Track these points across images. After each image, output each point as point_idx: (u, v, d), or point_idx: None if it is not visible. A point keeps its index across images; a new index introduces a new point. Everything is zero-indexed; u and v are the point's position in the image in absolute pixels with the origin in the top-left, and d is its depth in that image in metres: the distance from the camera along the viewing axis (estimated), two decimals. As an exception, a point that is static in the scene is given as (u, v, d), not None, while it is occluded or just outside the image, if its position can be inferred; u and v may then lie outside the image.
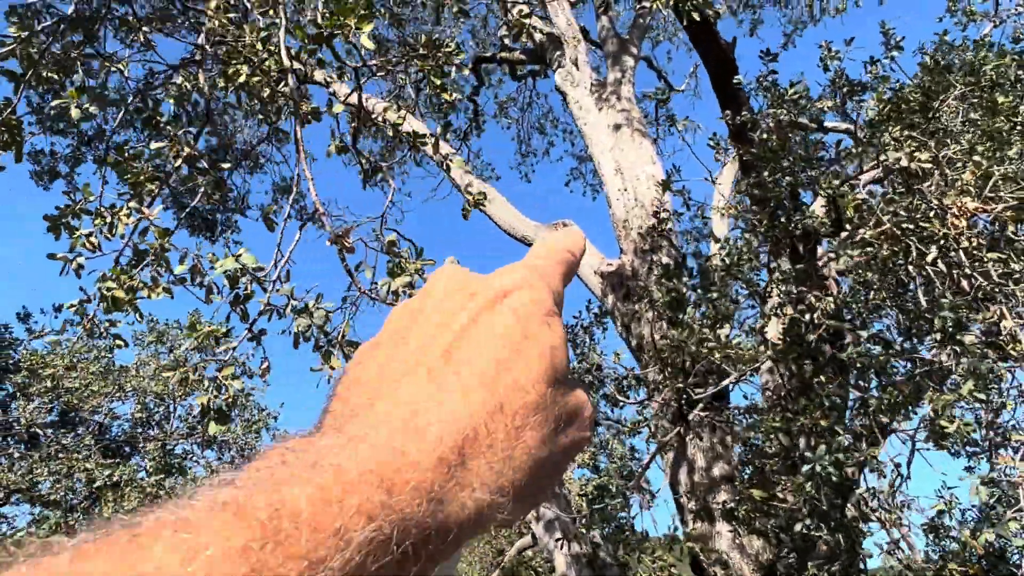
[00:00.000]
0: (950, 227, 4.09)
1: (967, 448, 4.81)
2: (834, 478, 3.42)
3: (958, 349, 3.95)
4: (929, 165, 3.73)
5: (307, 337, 3.08)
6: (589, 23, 13.72)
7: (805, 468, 3.39)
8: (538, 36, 10.89)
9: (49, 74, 3.16)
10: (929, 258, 4.23)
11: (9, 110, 3.02)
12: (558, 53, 10.20)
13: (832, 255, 4.63)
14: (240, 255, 2.90)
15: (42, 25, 3.09)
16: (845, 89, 5.02)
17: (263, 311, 3.11)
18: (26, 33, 2.93)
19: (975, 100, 4.56)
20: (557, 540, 6.37)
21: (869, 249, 4.26)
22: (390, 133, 3.16)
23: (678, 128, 5.45)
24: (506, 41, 12.59)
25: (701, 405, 5.03)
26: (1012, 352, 3.88)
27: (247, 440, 13.63)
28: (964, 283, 4.35)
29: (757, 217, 4.74)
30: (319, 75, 7.85)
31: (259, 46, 2.93)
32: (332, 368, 3.02)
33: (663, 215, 5.62)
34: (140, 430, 13.40)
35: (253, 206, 16.03)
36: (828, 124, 8.06)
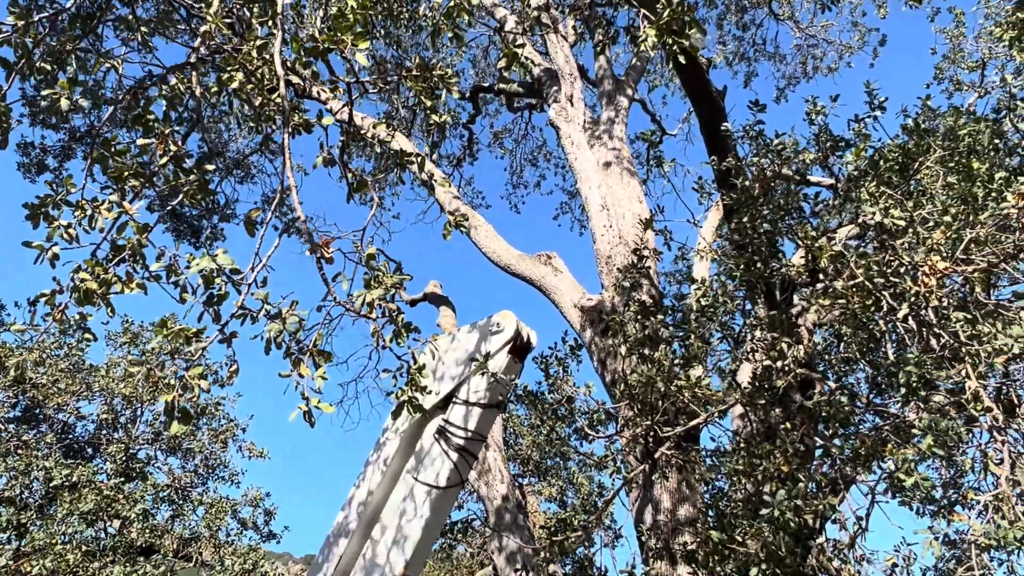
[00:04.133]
0: (921, 285, 4.17)
1: (928, 506, 4.84)
2: (792, 525, 3.43)
3: (921, 405, 4.01)
4: (903, 223, 3.82)
5: (279, 344, 3.08)
6: (588, 62, 13.93)
7: (764, 512, 3.41)
8: (536, 70, 11.04)
9: (42, 64, 3.18)
10: (900, 314, 4.30)
11: (-1, 96, 3.05)
12: (554, 88, 10.34)
13: (805, 304, 4.70)
14: (217, 255, 2.91)
15: (40, 16, 3.12)
16: (828, 144, 5.13)
17: (236, 314, 3.12)
18: (23, 23, 2.96)
19: (952, 164, 4.68)
20: (517, 571, 6.31)
21: (841, 301, 4.33)
22: (378, 150, 3.20)
23: (664, 170, 5.54)
24: (504, 73, 12.76)
25: (669, 444, 5.03)
26: (974, 412, 3.93)
27: (212, 450, 13.41)
28: (933, 341, 4.42)
29: (735, 261, 4.81)
30: (314, 90, 7.93)
31: (255, 54, 2.98)
32: (300, 375, 3.02)
33: (644, 252, 5.68)
34: (104, 431, 13.15)
35: (240, 215, 15.98)
36: (812, 178, 8.20)
